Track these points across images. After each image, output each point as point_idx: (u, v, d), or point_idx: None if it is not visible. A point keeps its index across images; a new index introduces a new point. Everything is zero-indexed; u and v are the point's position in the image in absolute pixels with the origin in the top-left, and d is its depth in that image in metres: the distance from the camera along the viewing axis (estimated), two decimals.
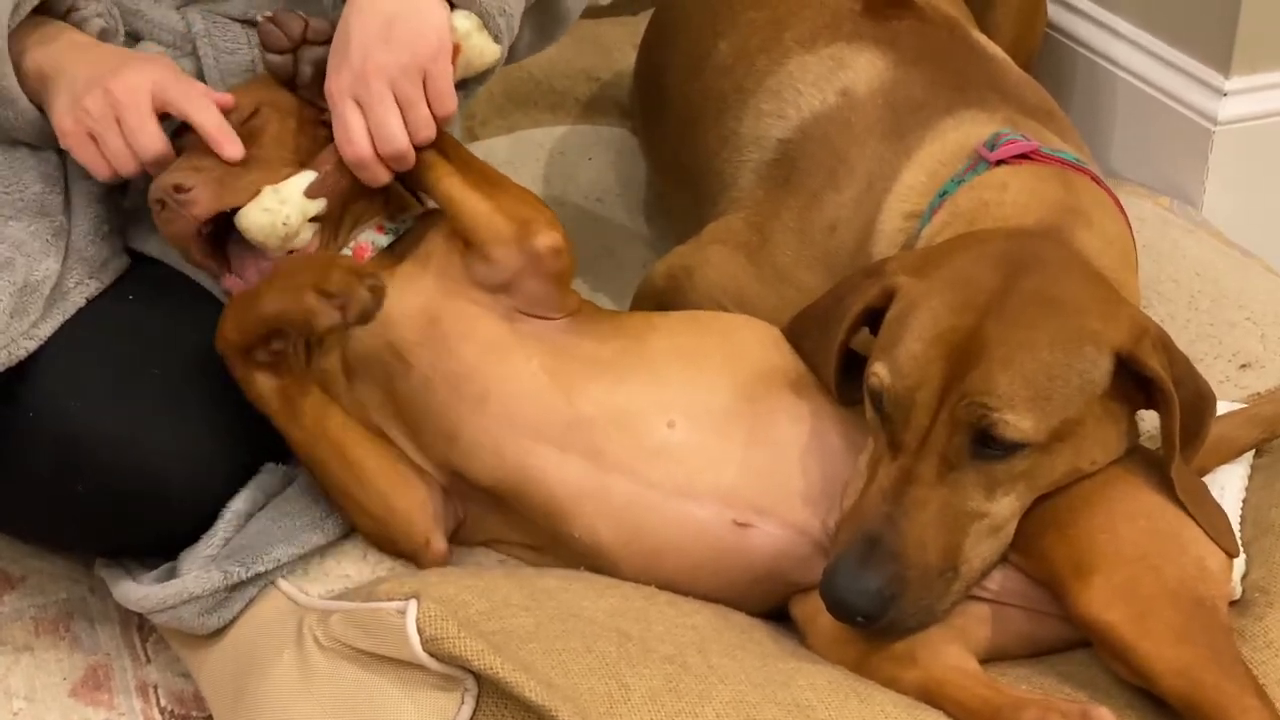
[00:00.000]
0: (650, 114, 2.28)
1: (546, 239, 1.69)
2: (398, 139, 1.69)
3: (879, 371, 1.56)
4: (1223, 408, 1.72)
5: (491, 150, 2.46)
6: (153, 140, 1.69)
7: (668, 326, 1.77)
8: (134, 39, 1.86)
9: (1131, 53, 2.43)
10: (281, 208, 1.67)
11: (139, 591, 1.71)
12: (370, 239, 1.76)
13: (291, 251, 1.70)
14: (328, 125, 1.72)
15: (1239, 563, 1.62)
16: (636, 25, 2.48)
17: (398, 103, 1.68)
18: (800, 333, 1.74)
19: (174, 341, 1.75)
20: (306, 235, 1.70)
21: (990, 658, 1.61)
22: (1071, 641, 1.60)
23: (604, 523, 1.65)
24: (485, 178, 1.74)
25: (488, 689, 1.50)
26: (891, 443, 1.56)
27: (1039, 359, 1.52)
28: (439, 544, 1.71)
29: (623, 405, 1.67)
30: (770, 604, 1.68)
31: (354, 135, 1.69)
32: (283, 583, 1.69)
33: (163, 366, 1.72)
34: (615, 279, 2.26)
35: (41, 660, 1.84)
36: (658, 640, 1.53)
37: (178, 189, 1.65)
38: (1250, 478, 1.76)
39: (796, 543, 1.64)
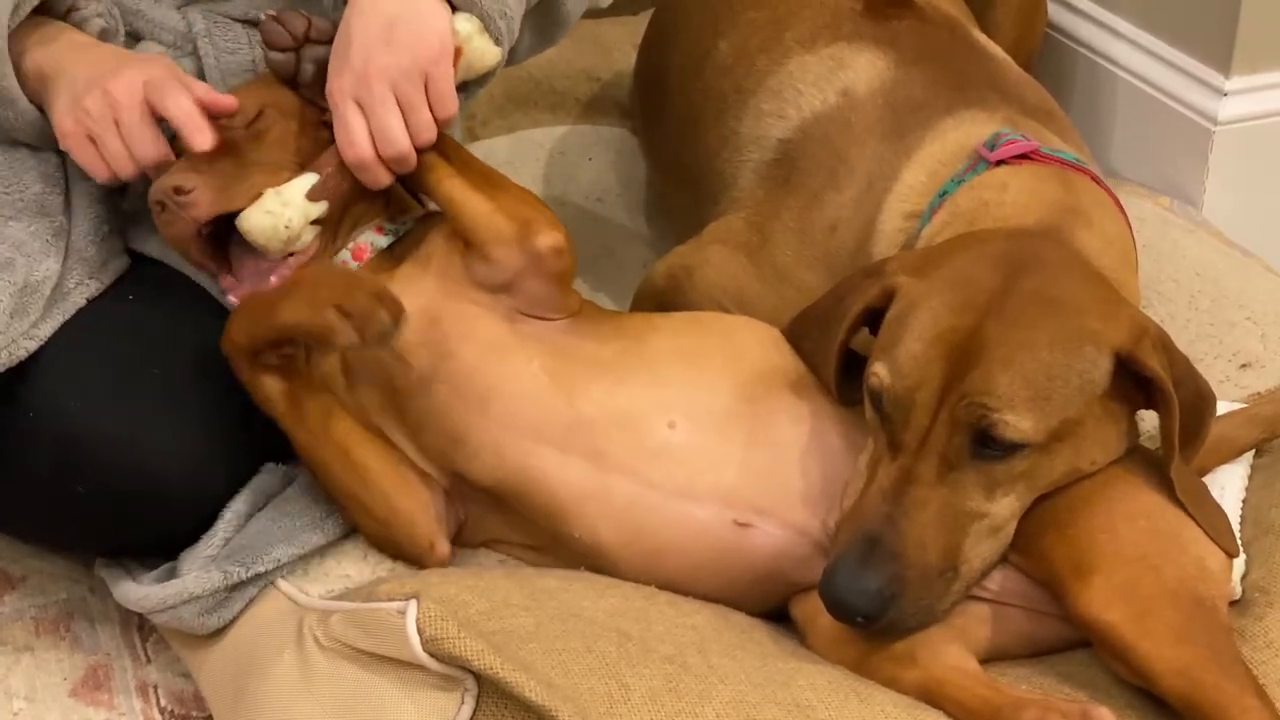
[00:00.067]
0: (650, 114, 2.28)
1: (548, 239, 1.70)
2: (399, 141, 1.69)
3: (879, 371, 1.56)
4: (1223, 408, 1.72)
5: (491, 150, 2.46)
6: (149, 142, 1.68)
7: (669, 327, 1.77)
8: (134, 39, 1.86)
9: (1131, 53, 2.43)
10: (284, 210, 1.67)
11: (139, 591, 1.71)
12: (369, 240, 1.76)
13: (292, 254, 1.70)
14: (329, 127, 1.72)
15: (1239, 563, 1.62)
16: (636, 25, 2.48)
17: (399, 105, 1.68)
18: (800, 333, 1.74)
19: (174, 341, 1.75)
20: (308, 238, 1.70)
21: (990, 658, 1.61)
22: (1071, 641, 1.60)
23: (605, 523, 1.65)
24: (486, 179, 1.74)
25: (488, 689, 1.50)
26: (891, 443, 1.56)
27: (1039, 359, 1.52)
28: (443, 547, 1.71)
29: (623, 406, 1.67)
30: (770, 604, 1.68)
31: (356, 137, 1.69)
32: (283, 583, 1.69)
33: (163, 366, 1.72)
34: (615, 279, 2.26)
35: (42, 660, 1.84)
36: (658, 640, 1.53)
37: (178, 191, 1.65)
38: (1250, 478, 1.76)
39: (796, 543, 1.64)
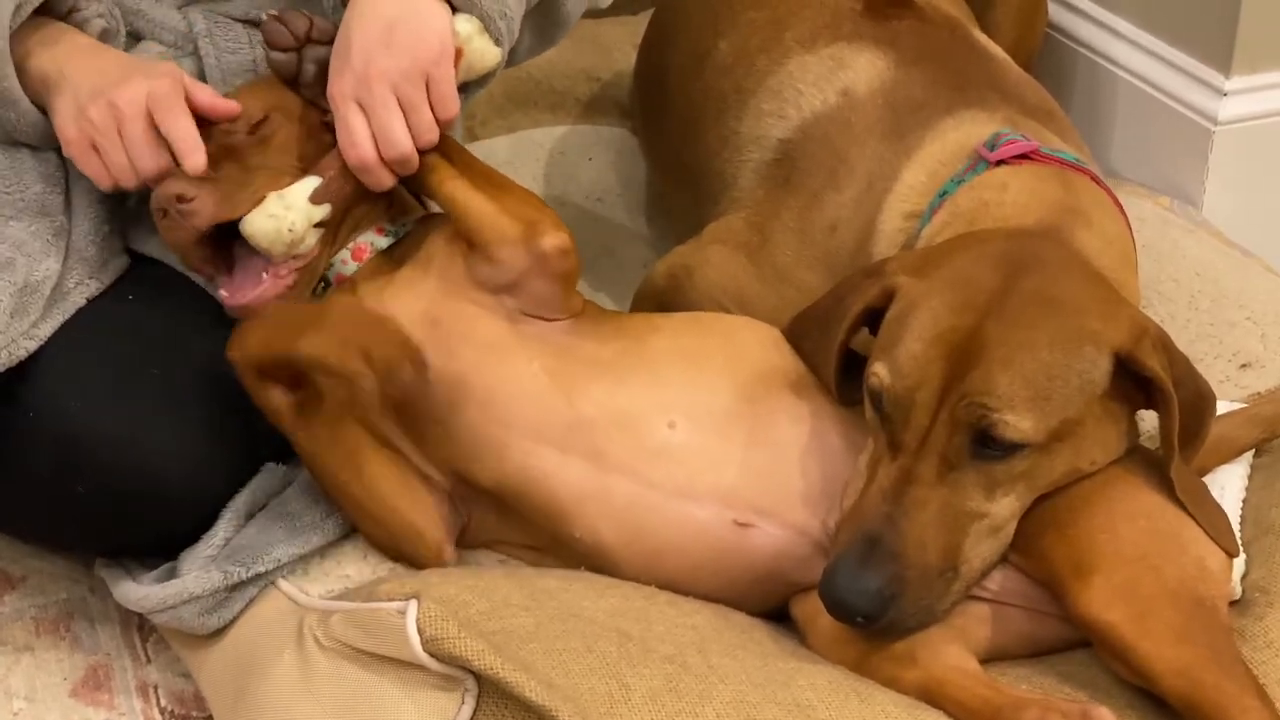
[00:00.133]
0: (650, 114, 2.28)
1: (554, 239, 1.69)
2: (401, 143, 1.69)
3: (879, 371, 1.56)
4: (1223, 408, 1.72)
5: (491, 150, 2.46)
6: (151, 154, 1.68)
7: (669, 328, 1.77)
8: (135, 39, 1.86)
9: (1131, 53, 2.43)
10: (287, 214, 1.67)
11: (139, 591, 1.71)
12: (369, 240, 1.76)
13: (295, 257, 1.69)
14: (331, 129, 1.72)
15: (1239, 563, 1.62)
16: (636, 25, 2.48)
17: (400, 106, 1.68)
18: (800, 333, 1.74)
19: (174, 341, 1.75)
20: (311, 241, 1.70)
21: (990, 658, 1.61)
22: (1071, 641, 1.60)
23: (605, 523, 1.65)
24: (488, 180, 1.74)
25: (488, 689, 1.50)
26: (891, 443, 1.56)
27: (1039, 359, 1.52)
28: (449, 553, 1.70)
29: (624, 406, 1.67)
30: (770, 604, 1.68)
31: (357, 139, 1.68)
32: (283, 583, 1.69)
33: (163, 366, 1.72)
34: (615, 279, 2.26)
35: (42, 660, 1.84)
36: (658, 640, 1.53)
37: (180, 199, 1.65)
38: (1250, 478, 1.76)
39: (796, 543, 1.64)
